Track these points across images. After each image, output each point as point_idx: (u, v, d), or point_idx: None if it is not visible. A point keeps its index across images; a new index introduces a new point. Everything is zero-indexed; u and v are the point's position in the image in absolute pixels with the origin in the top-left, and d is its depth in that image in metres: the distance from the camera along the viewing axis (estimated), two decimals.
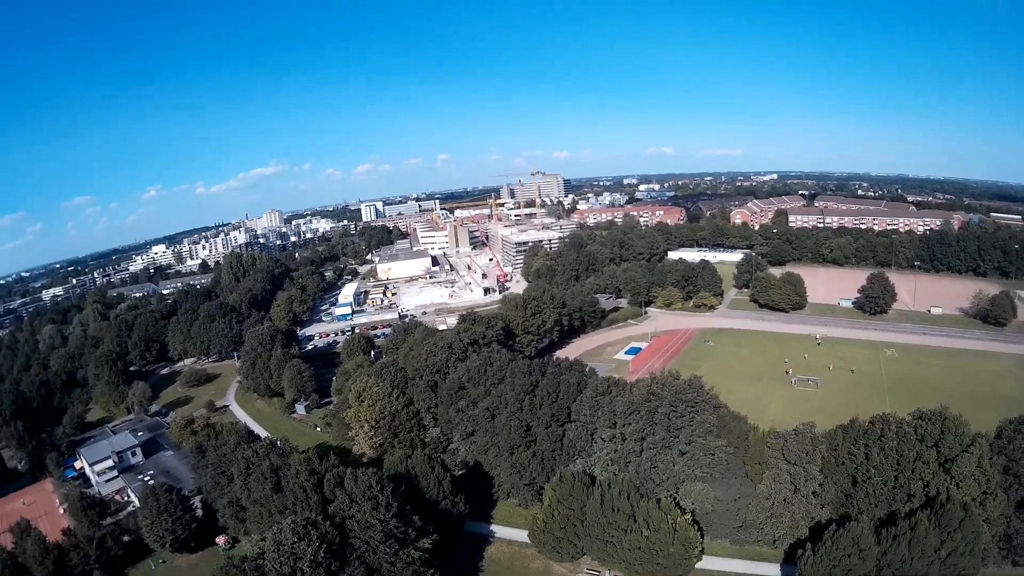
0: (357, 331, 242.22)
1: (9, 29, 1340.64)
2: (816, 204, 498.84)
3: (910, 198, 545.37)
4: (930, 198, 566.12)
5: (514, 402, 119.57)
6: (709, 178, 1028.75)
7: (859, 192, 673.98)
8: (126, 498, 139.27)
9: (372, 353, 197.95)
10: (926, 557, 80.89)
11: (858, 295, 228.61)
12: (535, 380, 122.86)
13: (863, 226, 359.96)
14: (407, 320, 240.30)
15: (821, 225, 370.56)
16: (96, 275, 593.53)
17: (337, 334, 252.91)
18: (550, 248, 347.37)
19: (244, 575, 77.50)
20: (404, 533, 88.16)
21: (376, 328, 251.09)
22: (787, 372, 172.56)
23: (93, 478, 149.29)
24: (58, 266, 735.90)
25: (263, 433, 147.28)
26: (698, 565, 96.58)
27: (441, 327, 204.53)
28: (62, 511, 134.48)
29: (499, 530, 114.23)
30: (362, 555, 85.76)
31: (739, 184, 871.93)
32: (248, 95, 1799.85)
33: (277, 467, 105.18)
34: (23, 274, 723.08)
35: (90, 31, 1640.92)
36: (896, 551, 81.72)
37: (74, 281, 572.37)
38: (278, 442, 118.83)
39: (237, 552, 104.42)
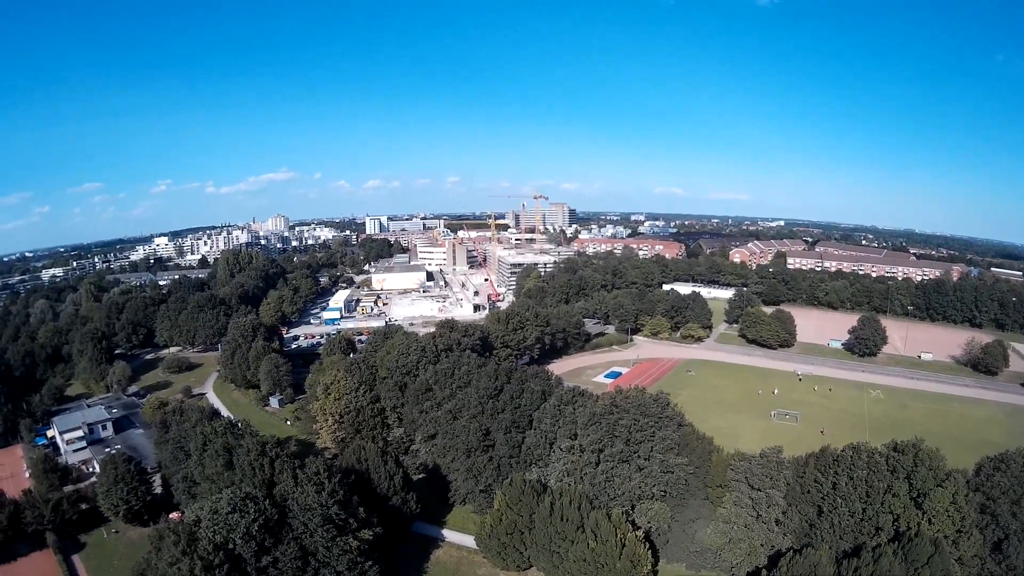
0: (341, 333, 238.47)
1: (41, 8, 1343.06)
2: (816, 249, 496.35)
3: (913, 251, 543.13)
4: (933, 252, 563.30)
5: (476, 404, 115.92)
6: (716, 220, 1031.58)
7: (863, 243, 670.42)
8: (91, 469, 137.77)
9: (351, 355, 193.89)
10: None
11: (848, 336, 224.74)
12: (500, 385, 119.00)
13: (861, 272, 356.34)
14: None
15: (819, 268, 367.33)
16: (97, 260, 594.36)
17: (323, 337, 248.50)
18: (544, 271, 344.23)
19: (178, 538, 75.41)
20: (344, 521, 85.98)
21: (362, 334, 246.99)
22: (773, 392, 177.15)
23: (62, 446, 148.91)
24: (62, 250, 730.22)
25: None
26: None
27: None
28: (27, 475, 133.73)
29: (451, 535, 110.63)
30: (299, 536, 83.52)
31: (745, 228, 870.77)
32: (266, 99, 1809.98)
33: (232, 446, 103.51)
34: (27, 254, 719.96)
35: (118, 19, 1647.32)
36: None
37: (75, 264, 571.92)
38: (239, 423, 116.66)
39: None
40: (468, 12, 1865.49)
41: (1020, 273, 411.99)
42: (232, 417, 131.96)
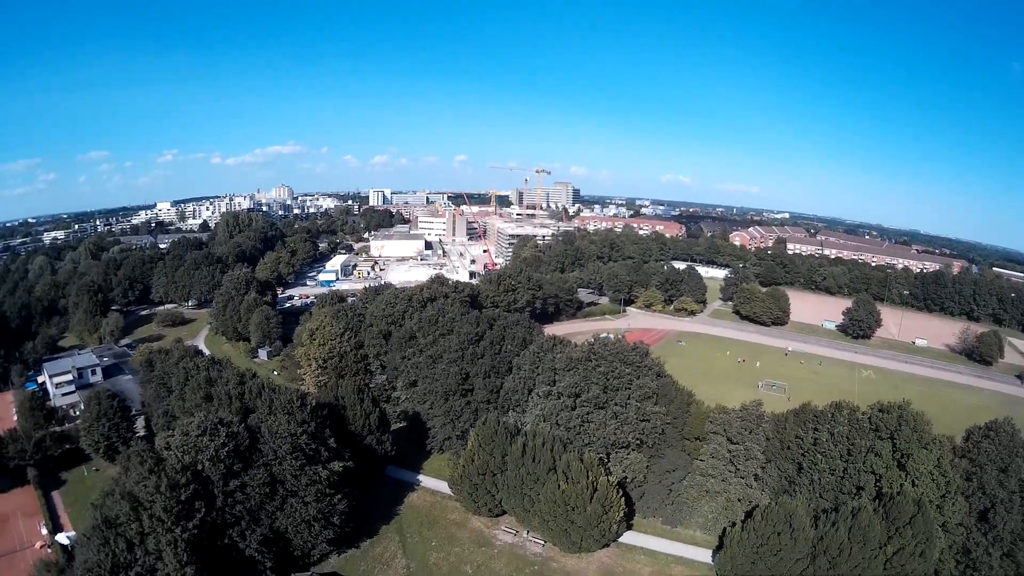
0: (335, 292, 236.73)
1: None
2: (818, 237, 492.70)
3: (915, 247, 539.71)
4: (935, 251, 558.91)
5: (456, 349, 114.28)
6: (721, 209, 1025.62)
7: (867, 237, 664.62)
8: (77, 412, 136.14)
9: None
10: (868, 549, 74.01)
11: (843, 318, 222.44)
12: (481, 331, 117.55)
13: (861, 260, 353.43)
14: None
15: (819, 255, 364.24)
16: (99, 224, 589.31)
17: (317, 297, 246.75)
18: (542, 243, 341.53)
19: (144, 458, 75.66)
20: (315, 451, 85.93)
21: (356, 294, 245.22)
22: (741, 360, 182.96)
23: (52, 390, 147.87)
24: (66, 216, 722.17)
25: None
26: (626, 540, 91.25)
27: None
28: (15, 419, 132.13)
29: (427, 480, 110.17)
30: (268, 463, 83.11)
31: (750, 217, 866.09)
32: (275, 71, 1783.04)
33: (212, 379, 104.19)
34: (30, 219, 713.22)
35: None
36: (834, 537, 75.01)
37: (76, 227, 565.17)
38: (221, 360, 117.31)
39: None
40: None
41: (1022, 275, 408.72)
42: (213, 355, 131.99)
